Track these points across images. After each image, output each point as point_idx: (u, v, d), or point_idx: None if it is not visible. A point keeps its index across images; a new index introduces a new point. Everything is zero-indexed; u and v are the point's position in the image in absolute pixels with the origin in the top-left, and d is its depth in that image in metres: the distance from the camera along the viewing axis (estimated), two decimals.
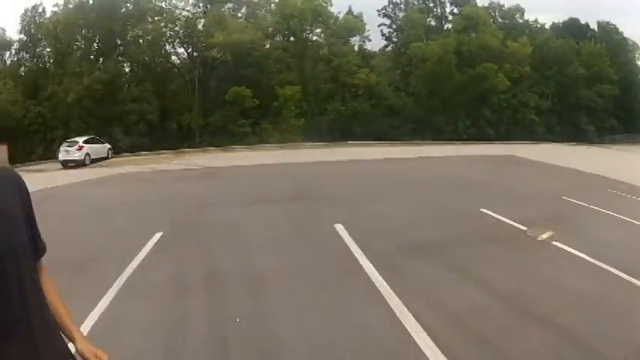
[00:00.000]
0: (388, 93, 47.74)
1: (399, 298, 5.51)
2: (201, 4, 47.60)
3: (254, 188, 15.89)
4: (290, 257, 7.57)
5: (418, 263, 7.14)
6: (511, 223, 9.49)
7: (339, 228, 9.11)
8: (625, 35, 58.28)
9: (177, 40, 47.45)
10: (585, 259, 7.24)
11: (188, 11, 47.41)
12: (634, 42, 59.87)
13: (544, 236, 8.46)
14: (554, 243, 8.10)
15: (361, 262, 6.98)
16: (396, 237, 8.57)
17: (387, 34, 54.87)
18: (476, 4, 52.89)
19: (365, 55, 51.82)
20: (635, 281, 6.30)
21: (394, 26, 54.54)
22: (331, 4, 48.75)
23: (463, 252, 7.64)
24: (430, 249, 7.82)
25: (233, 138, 40.21)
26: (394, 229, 9.30)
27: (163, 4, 46.37)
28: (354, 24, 50.08)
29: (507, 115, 47.67)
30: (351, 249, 7.70)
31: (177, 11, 46.84)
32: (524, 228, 9.03)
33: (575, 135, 48.05)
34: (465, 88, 46.75)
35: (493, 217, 10.09)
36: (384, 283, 6.06)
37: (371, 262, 6.91)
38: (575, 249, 7.67)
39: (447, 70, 46.27)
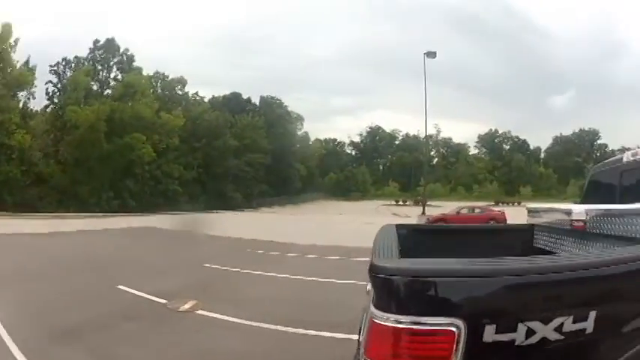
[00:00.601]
0: (38, 159, 44.89)
1: None
2: None
3: None
4: None
5: (60, 349, 6.25)
6: (150, 297, 8.94)
7: None
8: (289, 109, 66.87)
9: None
10: (234, 322, 7.19)
11: None
12: (298, 114, 69.29)
13: (186, 306, 8.18)
14: (199, 312, 7.87)
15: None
16: (40, 320, 7.57)
17: (51, 94, 52.24)
18: (140, 72, 53.71)
19: (26, 114, 47.94)
20: (290, 329, 6.62)
21: (59, 86, 52.28)
22: (15, 50, 44.56)
23: (104, 335, 6.92)
24: (70, 334, 6.88)
25: None
26: (37, 312, 8.11)
27: None
28: (26, 77, 46.33)
29: (150, 186, 49.01)
30: None
31: None
32: (163, 301, 8.58)
33: (222, 202, 51.30)
34: (111, 157, 46.54)
35: (131, 293, 9.43)
36: None
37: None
38: (220, 314, 7.57)
39: (96, 138, 45.52)
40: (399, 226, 3.73)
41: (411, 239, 3.63)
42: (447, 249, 3.72)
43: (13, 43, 44.72)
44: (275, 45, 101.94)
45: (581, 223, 3.26)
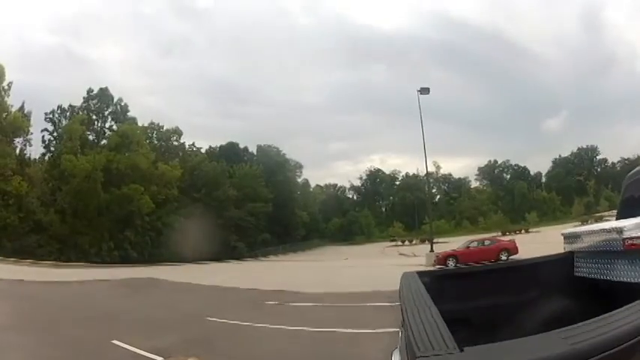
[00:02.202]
0: (36, 207, 44.73)
1: None
2: None
3: None
4: None
5: None
6: (146, 354, 8.37)
7: None
8: (287, 157, 67.07)
9: None
10: None
11: None
12: (297, 162, 69.48)
13: None
14: None
15: None
16: None
17: (47, 142, 52.78)
18: (135, 122, 54.22)
19: (23, 161, 48.16)
20: None
21: (55, 134, 52.80)
22: (9, 94, 45.08)
23: None
24: None
25: None
26: None
27: None
28: (21, 123, 46.72)
29: (151, 237, 48.92)
30: None
31: None
32: (160, 359, 7.96)
33: (225, 253, 50.96)
34: (109, 208, 46.72)
35: (126, 349, 8.82)
36: None
37: None
38: None
39: (93, 188, 45.72)
40: (421, 274, 3.32)
41: (437, 286, 3.07)
42: (479, 293, 3.37)
43: (6, 87, 45.44)
44: (268, 94, 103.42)
45: (638, 242, 2.84)
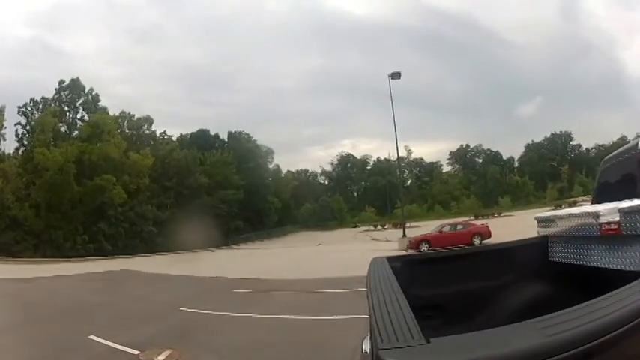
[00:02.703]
0: (11, 203, 43.96)
1: None
2: None
3: None
4: None
5: None
6: (122, 348, 8.30)
7: None
8: (258, 143, 66.34)
9: None
10: None
11: None
12: (268, 148, 68.78)
13: (160, 358, 7.53)
14: None
15: None
16: None
17: (21, 136, 51.53)
18: (106, 111, 53.23)
19: None
20: None
21: (28, 127, 51.51)
22: None
23: None
24: None
25: None
26: None
27: None
28: None
29: (125, 228, 48.21)
30: None
31: None
32: (136, 352, 7.92)
33: (197, 241, 50.39)
34: (83, 200, 46.10)
35: (102, 343, 8.73)
36: None
37: None
38: None
39: (66, 180, 45.03)
40: (390, 259, 3.20)
41: (408, 272, 3.04)
42: (452, 278, 3.30)
43: None
44: (239, 80, 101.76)
45: (615, 227, 2.71)
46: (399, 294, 1.89)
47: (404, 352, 1.11)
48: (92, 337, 9.31)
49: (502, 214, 58.47)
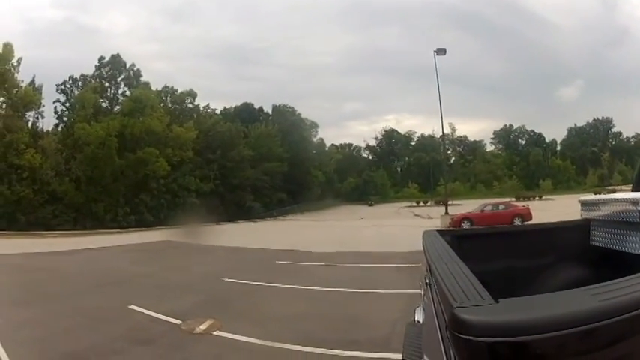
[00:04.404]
0: (50, 178, 44.70)
1: None
2: None
3: None
4: None
5: None
6: (163, 317, 8.37)
7: None
8: (303, 116, 66.47)
9: None
10: (255, 344, 6.55)
11: None
12: (312, 121, 69.00)
13: (202, 327, 7.57)
14: (216, 333, 7.25)
15: None
16: (44, 345, 7.12)
17: (60, 113, 52.38)
18: (149, 86, 53.52)
19: (36, 134, 47.96)
20: (325, 350, 5.99)
21: (68, 104, 52.42)
22: (18, 70, 44.94)
23: None
24: None
25: None
26: (42, 336, 7.63)
27: None
28: (32, 97, 46.67)
29: (167, 200, 48.69)
30: None
31: None
32: (178, 322, 7.99)
33: (240, 214, 50.65)
34: (124, 173, 46.69)
35: (143, 313, 8.85)
36: None
37: None
38: (240, 334, 6.93)
39: (107, 154, 45.54)
40: (441, 232, 3.31)
41: (456, 246, 3.06)
42: (497, 255, 3.36)
43: (15, 63, 45.11)
44: (281, 55, 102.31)
45: None
46: (460, 262, 1.95)
47: (478, 310, 1.19)
48: (133, 306, 9.29)
49: (543, 197, 56.93)
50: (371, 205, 65.58)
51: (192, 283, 12.58)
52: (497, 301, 1.25)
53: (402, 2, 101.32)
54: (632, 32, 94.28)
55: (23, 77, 46.57)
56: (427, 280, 2.40)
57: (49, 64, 59.35)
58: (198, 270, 15.10)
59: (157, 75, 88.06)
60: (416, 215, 44.12)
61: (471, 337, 1.08)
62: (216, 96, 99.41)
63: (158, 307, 9.05)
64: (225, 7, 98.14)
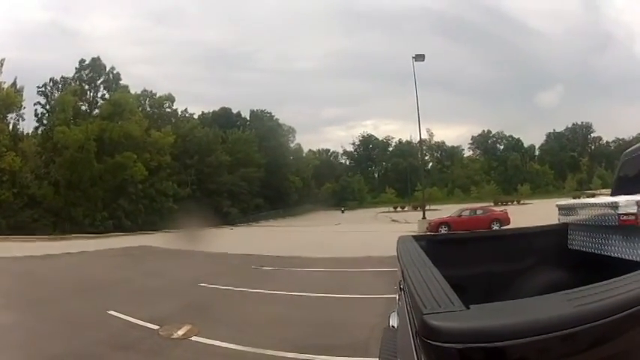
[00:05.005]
0: (30, 181, 44.30)
1: None
2: None
3: None
4: None
5: None
6: (141, 323, 8.34)
7: None
8: (280, 122, 66.36)
9: None
10: (230, 349, 6.55)
11: None
12: (290, 127, 68.85)
13: (180, 333, 7.54)
14: (193, 338, 7.23)
15: None
16: (20, 351, 6.94)
17: (40, 115, 51.46)
18: (128, 90, 53.12)
19: (16, 136, 47.37)
20: (298, 356, 5.97)
21: (48, 107, 51.53)
22: (0, 71, 44.52)
23: None
24: None
25: None
26: (18, 342, 7.40)
27: None
28: (13, 98, 46.22)
29: (145, 205, 48.48)
30: None
31: None
32: (155, 327, 7.94)
33: (218, 218, 50.60)
34: (103, 177, 46.32)
35: (122, 319, 8.80)
36: None
37: None
38: (217, 340, 6.94)
39: (86, 158, 45.17)
40: (417, 238, 3.33)
41: (432, 251, 3.09)
42: (474, 260, 3.38)
43: None
44: (261, 60, 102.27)
45: (632, 218, 2.86)
46: (433, 268, 1.97)
47: (447, 316, 1.19)
48: (111, 312, 9.28)
49: (521, 202, 57.91)
50: (343, 212, 65.59)
51: (169, 288, 12.53)
52: (468, 307, 1.25)
53: (384, 7, 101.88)
54: (614, 37, 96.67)
55: (4, 79, 46.31)
56: (401, 286, 2.44)
57: (30, 65, 58.11)
58: (177, 275, 15.07)
59: (138, 79, 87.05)
60: (393, 220, 44.45)
61: (439, 344, 1.10)
62: (197, 100, 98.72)
63: (136, 312, 9.06)
64: (208, 11, 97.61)
